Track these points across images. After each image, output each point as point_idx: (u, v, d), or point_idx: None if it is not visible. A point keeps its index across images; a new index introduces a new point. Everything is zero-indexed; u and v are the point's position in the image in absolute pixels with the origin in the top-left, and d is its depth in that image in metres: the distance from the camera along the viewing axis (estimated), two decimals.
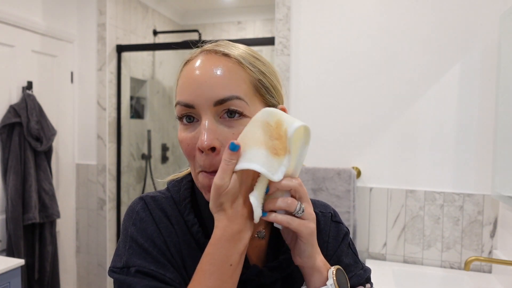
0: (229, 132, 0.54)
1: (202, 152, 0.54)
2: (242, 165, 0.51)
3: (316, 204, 0.72)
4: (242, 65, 0.57)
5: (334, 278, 0.56)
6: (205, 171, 0.55)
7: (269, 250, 0.65)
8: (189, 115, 0.57)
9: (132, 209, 0.61)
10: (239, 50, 0.59)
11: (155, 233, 0.58)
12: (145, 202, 0.61)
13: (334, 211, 0.73)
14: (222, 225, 0.51)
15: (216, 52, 0.58)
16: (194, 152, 0.56)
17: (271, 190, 0.54)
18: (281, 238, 0.63)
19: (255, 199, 0.53)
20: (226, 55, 0.57)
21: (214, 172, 0.54)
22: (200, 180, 0.57)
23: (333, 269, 0.58)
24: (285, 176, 0.54)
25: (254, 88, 0.57)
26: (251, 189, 0.53)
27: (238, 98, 0.54)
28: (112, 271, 0.56)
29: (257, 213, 0.52)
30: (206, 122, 0.54)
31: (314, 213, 0.56)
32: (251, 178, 0.54)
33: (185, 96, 0.56)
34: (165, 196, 0.64)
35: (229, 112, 0.55)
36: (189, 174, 0.67)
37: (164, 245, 0.58)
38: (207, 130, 0.53)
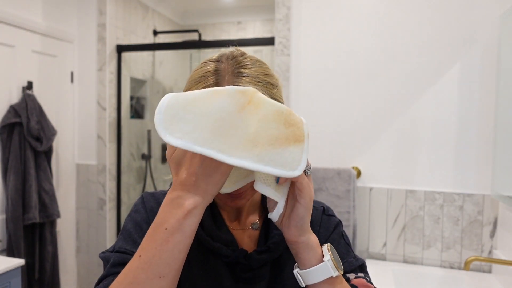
0: None
1: None
2: (254, 166, 0.49)
3: None
4: (258, 87, 0.60)
5: (330, 253, 0.56)
6: None
7: (260, 238, 0.69)
8: None
9: (133, 204, 0.72)
10: (254, 69, 0.62)
11: (143, 220, 0.67)
12: (143, 197, 0.72)
13: (327, 206, 0.75)
14: (170, 191, 0.53)
15: (234, 73, 0.61)
16: None
17: (281, 181, 0.55)
18: (271, 227, 0.68)
19: (270, 189, 0.54)
20: (246, 76, 0.61)
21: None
22: None
23: (327, 246, 0.57)
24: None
25: None
26: (200, 157, 0.52)
27: None
28: (102, 252, 0.65)
29: (280, 202, 0.55)
30: None
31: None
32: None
33: None
34: (165, 192, 0.69)
35: None
36: None
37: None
38: None
